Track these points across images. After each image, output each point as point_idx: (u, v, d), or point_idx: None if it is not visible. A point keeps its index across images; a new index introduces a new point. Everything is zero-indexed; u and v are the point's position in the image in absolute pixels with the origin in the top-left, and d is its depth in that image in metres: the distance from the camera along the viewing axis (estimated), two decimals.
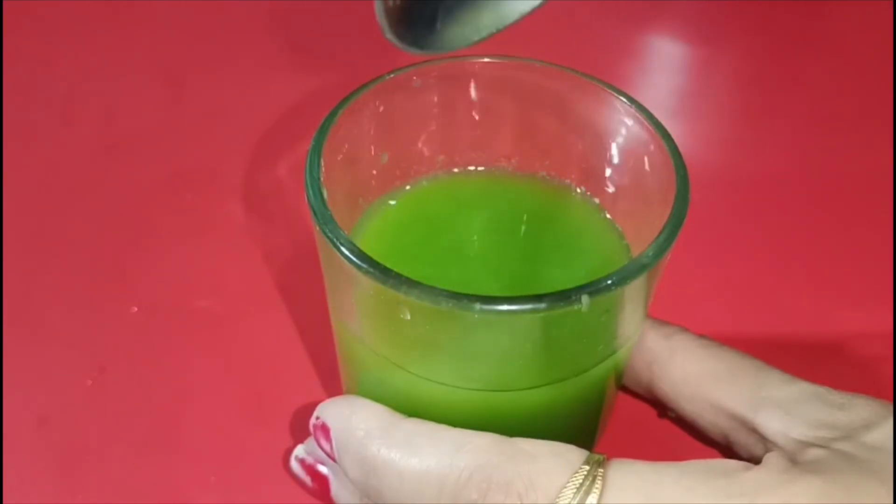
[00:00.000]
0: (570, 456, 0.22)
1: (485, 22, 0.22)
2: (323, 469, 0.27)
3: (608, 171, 0.28)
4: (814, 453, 0.22)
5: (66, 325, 0.34)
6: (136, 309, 0.35)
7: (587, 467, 0.21)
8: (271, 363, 0.33)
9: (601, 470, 0.21)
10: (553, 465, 0.22)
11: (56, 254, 0.37)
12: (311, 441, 0.27)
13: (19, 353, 0.33)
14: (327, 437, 0.25)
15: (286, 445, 0.30)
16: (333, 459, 0.25)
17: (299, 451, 0.28)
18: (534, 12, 0.23)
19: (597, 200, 0.29)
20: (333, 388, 0.32)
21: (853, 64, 0.49)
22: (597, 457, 0.22)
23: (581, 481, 0.21)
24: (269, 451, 0.30)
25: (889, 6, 0.52)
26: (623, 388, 0.30)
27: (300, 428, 0.31)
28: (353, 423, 0.24)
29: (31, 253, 0.37)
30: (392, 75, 0.27)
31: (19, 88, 0.45)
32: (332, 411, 0.25)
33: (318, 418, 0.25)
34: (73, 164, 0.41)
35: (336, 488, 0.27)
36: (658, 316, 0.29)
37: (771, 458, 0.22)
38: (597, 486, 0.21)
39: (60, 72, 0.46)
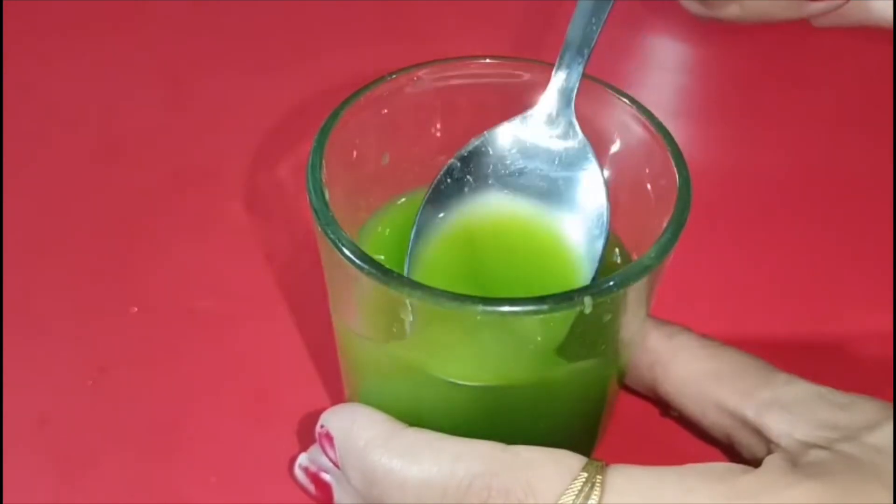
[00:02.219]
0: (568, 462, 0.22)
1: None
2: (326, 477, 0.27)
3: (609, 172, 0.28)
4: (816, 454, 0.22)
5: (66, 325, 0.34)
6: (136, 309, 0.35)
7: (586, 473, 0.21)
8: (272, 363, 0.33)
9: (599, 476, 0.21)
10: (552, 471, 0.22)
11: (56, 254, 0.37)
12: (313, 449, 0.27)
13: (19, 353, 0.33)
14: (332, 446, 0.25)
15: (286, 445, 0.30)
16: (339, 467, 0.25)
17: (302, 459, 0.28)
18: None
19: None
20: (334, 388, 0.32)
21: (853, 64, 0.49)
22: (596, 462, 0.22)
23: (580, 487, 0.21)
24: (270, 451, 0.30)
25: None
26: (626, 388, 0.30)
27: (300, 428, 0.31)
28: (355, 432, 0.24)
29: (31, 253, 0.37)
30: (394, 76, 0.27)
31: (19, 89, 0.44)
32: (335, 420, 0.25)
33: (322, 427, 0.25)
34: (73, 164, 0.41)
35: (339, 496, 0.27)
36: (660, 316, 0.29)
37: (771, 461, 0.22)
38: (596, 491, 0.21)
39: (60, 72, 0.46)
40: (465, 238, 0.26)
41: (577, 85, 0.26)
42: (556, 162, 0.26)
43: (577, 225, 0.26)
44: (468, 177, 0.26)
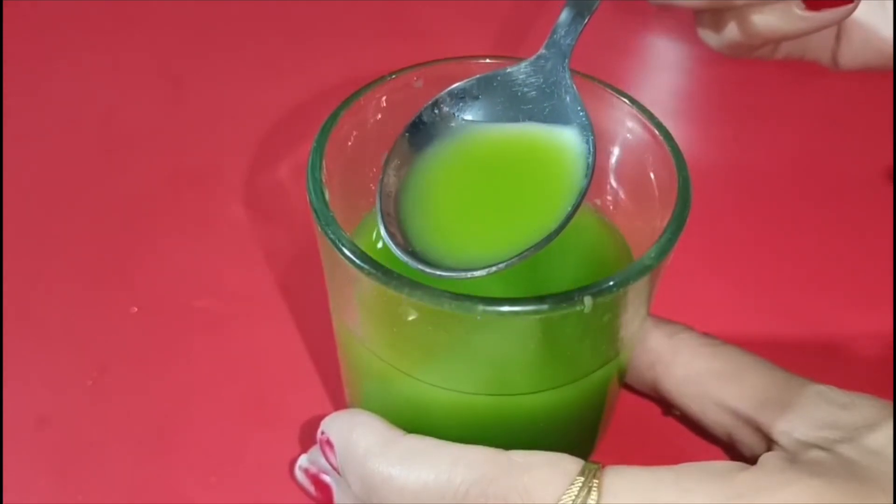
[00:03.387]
0: (565, 465, 0.22)
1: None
2: (326, 478, 0.27)
3: (609, 172, 0.28)
4: (815, 454, 0.22)
5: (66, 325, 0.34)
6: (136, 309, 0.35)
7: (583, 476, 0.21)
8: (272, 363, 0.33)
9: (596, 479, 0.21)
10: (548, 475, 0.22)
11: (56, 254, 0.37)
12: (314, 451, 0.27)
13: (19, 353, 0.33)
14: (333, 452, 0.25)
15: (286, 445, 0.30)
16: (340, 473, 0.25)
17: (303, 460, 0.28)
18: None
19: (598, 201, 0.29)
20: (334, 388, 0.32)
21: None
22: (592, 465, 0.22)
23: (577, 490, 0.21)
24: (269, 450, 0.30)
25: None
26: (627, 387, 0.30)
27: (300, 428, 0.31)
28: (354, 439, 0.24)
29: (31, 253, 0.37)
30: (393, 76, 0.27)
31: (19, 88, 0.44)
32: (335, 427, 0.25)
33: (323, 433, 0.25)
34: (73, 164, 0.41)
35: (339, 497, 0.27)
36: (660, 316, 0.29)
37: (768, 459, 0.22)
38: (593, 494, 0.21)
39: (60, 72, 0.46)
40: (456, 165, 0.26)
41: (574, 42, 0.25)
42: (546, 112, 0.26)
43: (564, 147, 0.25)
44: (454, 115, 0.26)
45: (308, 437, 0.31)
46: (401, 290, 0.21)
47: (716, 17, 0.30)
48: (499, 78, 0.26)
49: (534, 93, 0.26)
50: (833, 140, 0.44)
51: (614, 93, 0.26)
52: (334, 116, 0.25)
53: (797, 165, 0.42)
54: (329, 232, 0.22)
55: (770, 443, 0.24)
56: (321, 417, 0.26)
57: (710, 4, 0.28)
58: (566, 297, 0.20)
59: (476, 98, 0.26)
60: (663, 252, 0.22)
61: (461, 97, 0.26)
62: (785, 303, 0.36)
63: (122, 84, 0.45)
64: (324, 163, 0.24)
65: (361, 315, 0.24)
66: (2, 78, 0.45)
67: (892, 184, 0.41)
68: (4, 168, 0.40)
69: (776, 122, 0.45)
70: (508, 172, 0.25)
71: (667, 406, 0.29)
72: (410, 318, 0.22)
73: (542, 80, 0.25)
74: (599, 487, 0.21)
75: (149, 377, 0.32)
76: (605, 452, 0.29)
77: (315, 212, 0.23)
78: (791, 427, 0.24)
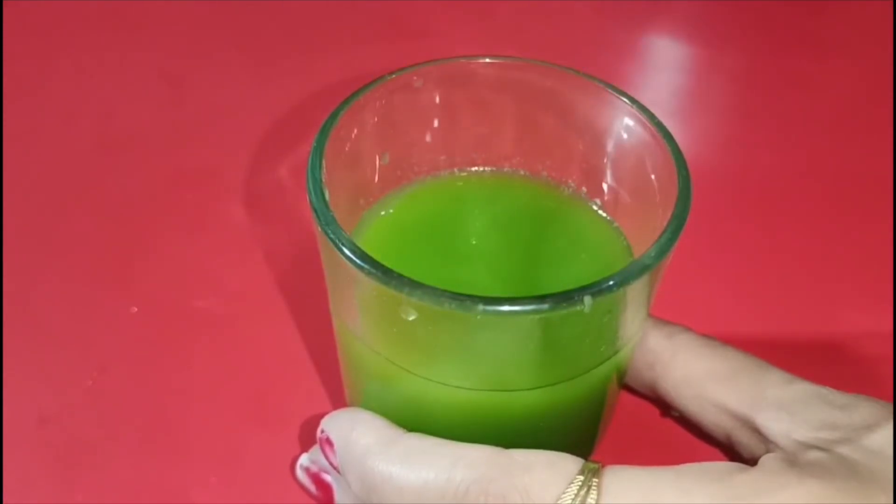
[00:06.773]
0: (565, 465, 0.22)
1: None
2: (327, 478, 0.27)
3: (609, 172, 0.28)
4: (814, 455, 0.22)
5: (66, 325, 0.34)
6: (136, 309, 0.35)
7: (582, 476, 0.21)
8: (271, 363, 0.33)
9: (596, 479, 0.21)
10: (548, 475, 0.22)
11: (56, 254, 0.37)
12: (315, 450, 0.27)
13: (19, 353, 0.33)
14: (333, 451, 0.25)
15: (286, 445, 0.30)
16: (340, 472, 0.25)
17: (304, 459, 0.28)
18: None
19: (598, 201, 0.29)
20: (334, 388, 0.32)
21: (853, 64, 0.49)
22: (592, 465, 0.22)
23: (577, 490, 0.21)
24: (269, 450, 0.30)
25: (889, 6, 0.52)
26: (626, 388, 0.30)
27: (300, 428, 0.31)
28: (353, 438, 0.24)
29: (31, 253, 0.37)
30: (393, 76, 0.27)
31: (19, 88, 0.44)
32: (335, 426, 0.25)
33: (322, 431, 0.25)
34: (73, 164, 0.41)
35: (340, 496, 0.27)
36: (660, 316, 0.29)
37: (768, 460, 0.22)
38: (593, 493, 0.21)
39: (60, 72, 0.46)
40: None
41: None
42: None
43: None
44: None
45: (308, 436, 0.31)
46: (401, 289, 0.21)
47: None
48: None
49: None
50: (833, 140, 0.44)
51: (614, 93, 0.26)
52: (334, 116, 0.25)
53: (797, 165, 0.42)
54: (329, 232, 0.22)
55: (769, 444, 0.24)
56: (321, 417, 0.26)
57: None
58: (566, 297, 0.20)
59: None
60: (663, 251, 0.22)
61: None
62: (785, 303, 0.36)
63: (122, 84, 0.46)
64: (324, 163, 0.24)
65: (361, 314, 0.24)
66: (2, 78, 0.45)
67: (892, 184, 0.41)
68: (4, 168, 0.40)
69: (776, 122, 0.45)
70: None
71: (665, 407, 0.29)
72: (410, 318, 0.22)
73: None
74: (599, 487, 0.21)
75: (149, 377, 0.32)
76: (604, 452, 0.29)
77: (315, 212, 0.23)
78: (790, 428, 0.24)
